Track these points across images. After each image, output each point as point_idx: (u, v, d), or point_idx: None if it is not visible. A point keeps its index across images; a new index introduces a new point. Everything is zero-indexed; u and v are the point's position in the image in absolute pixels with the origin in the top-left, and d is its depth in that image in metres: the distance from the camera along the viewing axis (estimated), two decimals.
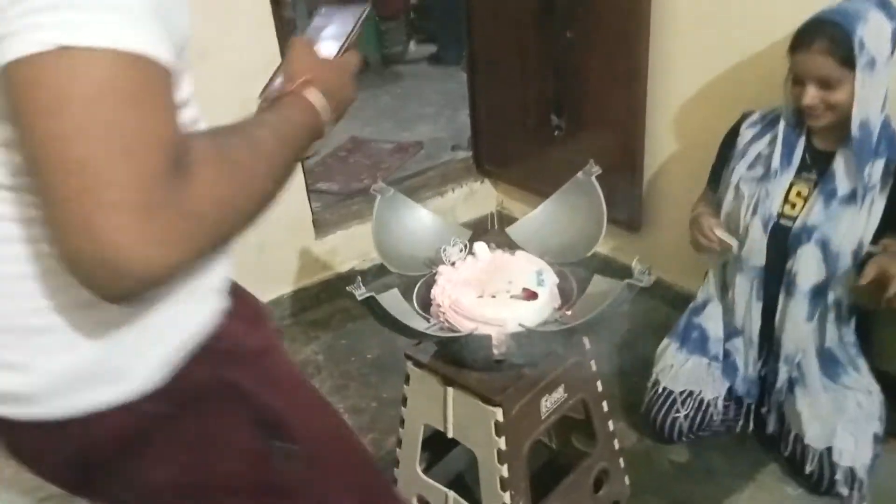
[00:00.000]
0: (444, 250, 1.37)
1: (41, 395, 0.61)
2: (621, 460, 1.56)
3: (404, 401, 1.44)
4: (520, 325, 1.20)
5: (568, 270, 1.38)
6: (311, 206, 2.30)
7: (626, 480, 1.59)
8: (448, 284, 1.32)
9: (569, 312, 1.25)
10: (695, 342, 1.68)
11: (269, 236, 2.13)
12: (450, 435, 1.38)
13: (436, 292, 1.31)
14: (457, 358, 1.29)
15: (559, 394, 1.37)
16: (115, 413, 0.63)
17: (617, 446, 1.54)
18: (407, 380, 1.41)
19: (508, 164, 2.58)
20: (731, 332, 1.67)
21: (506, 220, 2.74)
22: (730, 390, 1.66)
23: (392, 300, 1.27)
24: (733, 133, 1.64)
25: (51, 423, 0.62)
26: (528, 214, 1.51)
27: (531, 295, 1.28)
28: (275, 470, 0.76)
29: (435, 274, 1.35)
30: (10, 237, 0.57)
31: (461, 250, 1.40)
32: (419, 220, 1.48)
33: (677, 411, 1.63)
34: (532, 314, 1.25)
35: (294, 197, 2.21)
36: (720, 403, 1.64)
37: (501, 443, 1.27)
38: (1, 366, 0.61)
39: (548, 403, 1.34)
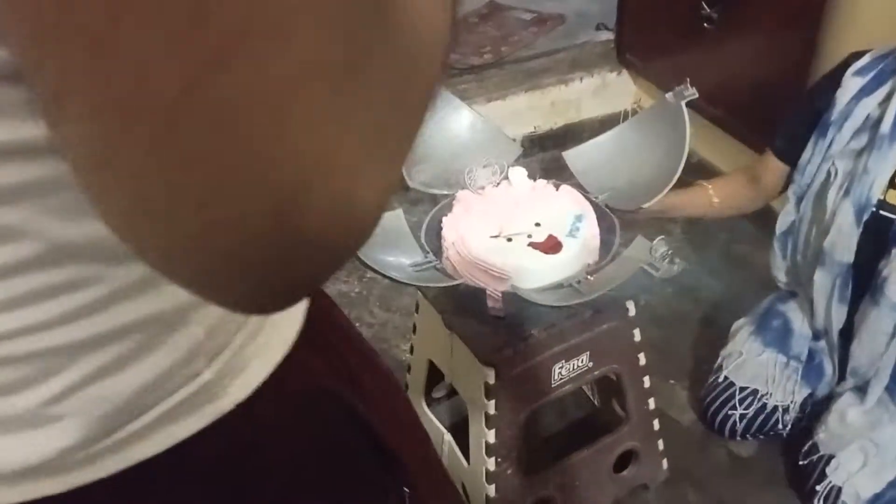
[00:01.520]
0: (471, 171, 1.14)
1: None
2: (660, 442, 1.33)
3: (414, 328, 1.30)
4: (512, 286, 0.97)
5: (618, 219, 1.11)
6: None
7: (664, 464, 1.36)
8: (463, 214, 1.10)
9: (590, 278, 1.00)
10: (775, 333, 1.35)
11: None
12: (447, 380, 1.23)
13: (445, 222, 1.10)
14: (457, 302, 1.10)
15: (581, 362, 1.15)
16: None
17: (657, 427, 1.31)
18: (417, 307, 1.26)
19: (652, 57, 2.17)
20: (818, 330, 1.31)
21: None
22: (811, 398, 1.33)
23: (391, 222, 1.09)
24: (832, 81, 1.20)
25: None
26: (597, 138, 1.21)
27: (554, 246, 1.04)
28: None
29: (452, 199, 1.13)
30: None
31: (494, 173, 1.16)
32: (462, 127, 1.24)
33: (734, 408, 1.34)
34: (547, 270, 1.02)
35: None
36: (793, 411, 1.33)
37: (490, 406, 1.09)
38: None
39: (562, 371, 1.13)
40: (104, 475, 0.41)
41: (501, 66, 2.33)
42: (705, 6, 1.78)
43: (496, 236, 1.06)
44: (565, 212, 1.09)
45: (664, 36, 2.06)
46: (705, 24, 1.80)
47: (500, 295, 1.00)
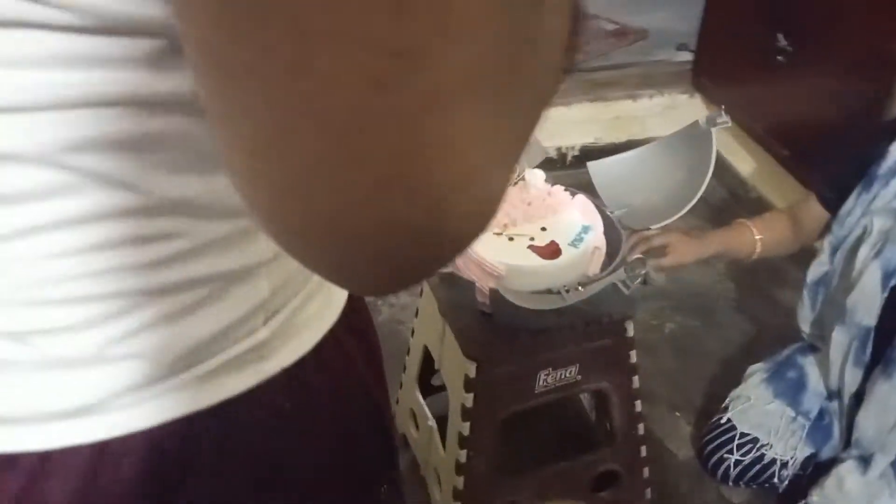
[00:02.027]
0: None
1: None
2: (646, 470, 1.30)
3: (417, 311, 1.32)
4: (498, 284, 0.98)
5: (627, 235, 1.09)
6: None
7: (647, 494, 1.33)
8: None
9: (581, 289, 0.99)
10: (788, 385, 1.30)
11: None
12: (436, 366, 1.24)
13: None
14: (458, 292, 1.11)
15: (570, 373, 1.14)
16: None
17: (643, 453, 1.28)
18: (421, 292, 1.28)
19: (725, 84, 2.11)
20: (832, 391, 1.25)
21: None
22: (813, 458, 1.27)
23: None
24: (890, 132, 1.14)
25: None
26: (623, 154, 1.20)
27: (552, 252, 1.03)
28: None
29: None
30: None
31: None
32: None
33: (730, 452, 1.30)
34: (540, 274, 1.02)
35: None
36: (792, 467, 1.27)
37: (469, 399, 1.10)
38: None
39: (548, 379, 1.13)
40: (151, 424, 0.41)
41: (569, 73, 2.31)
42: (780, 38, 1.72)
43: (499, 233, 1.07)
44: (574, 221, 1.08)
45: (739, 64, 1.99)
46: (778, 57, 1.74)
47: (486, 290, 1.00)
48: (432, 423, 1.28)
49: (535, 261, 1.02)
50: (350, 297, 0.52)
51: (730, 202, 2.17)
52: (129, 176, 0.35)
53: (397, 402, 1.46)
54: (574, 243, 1.05)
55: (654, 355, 1.67)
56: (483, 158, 0.25)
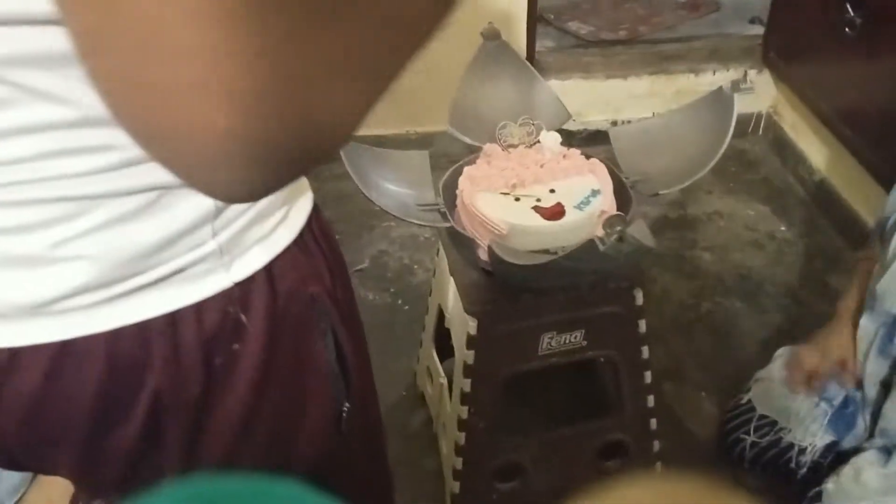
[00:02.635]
0: (504, 127, 1.15)
1: None
2: (656, 443, 1.29)
3: (434, 271, 1.34)
4: (495, 242, 0.98)
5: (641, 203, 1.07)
6: (532, 43, 2.08)
7: (658, 467, 1.31)
8: (483, 166, 1.12)
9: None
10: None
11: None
12: (446, 324, 1.26)
13: (465, 171, 1.12)
14: (469, 252, 1.13)
15: (574, 338, 1.13)
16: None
17: (653, 426, 1.27)
18: (438, 250, 1.30)
19: (795, 60, 2.00)
20: (858, 378, 1.19)
21: (774, 128, 2.19)
22: (834, 446, 1.21)
23: (416, 161, 1.13)
24: None
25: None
26: (646, 120, 1.17)
27: (556, 213, 1.03)
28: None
29: (472, 159, 1.15)
30: None
31: (530, 133, 1.16)
32: (518, 84, 1.23)
33: (747, 433, 1.26)
34: (541, 235, 1.02)
35: (512, 27, 2.02)
36: (811, 454, 1.22)
37: (469, 356, 1.12)
38: None
39: (552, 342, 1.13)
40: (103, 329, 0.44)
41: (632, 44, 2.25)
42: (849, 8, 1.61)
43: (506, 193, 1.07)
44: (584, 184, 1.08)
45: (807, 38, 1.89)
46: (847, 30, 1.64)
47: (483, 246, 1.01)
48: (444, 380, 1.31)
49: (537, 221, 1.02)
50: (310, 223, 0.54)
51: (792, 184, 2.07)
52: (61, 90, 0.39)
53: (418, 360, 1.49)
54: (580, 206, 1.04)
55: (686, 334, 1.64)
56: (302, 69, 0.27)
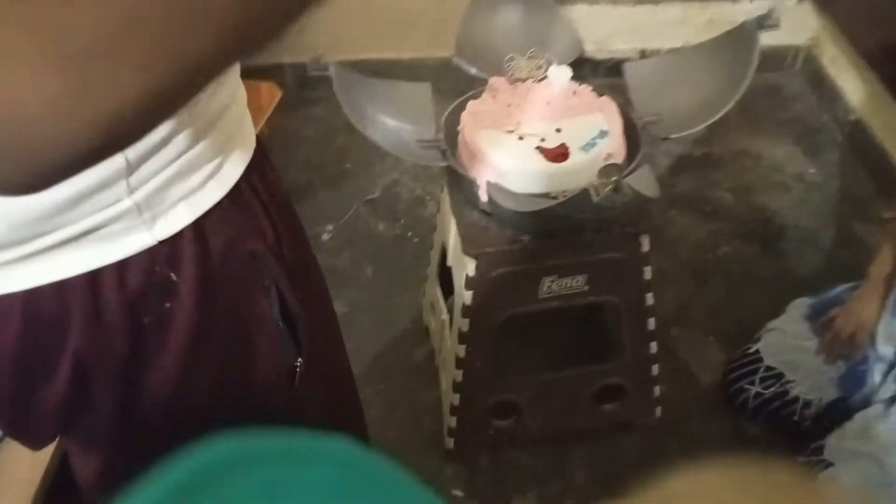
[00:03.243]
0: (512, 59, 1.09)
1: None
2: (657, 389, 1.28)
3: (439, 206, 1.31)
4: (493, 182, 0.95)
5: (652, 146, 1.02)
6: None
7: (657, 412, 1.31)
8: (488, 101, 1.07)
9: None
10: (830, 300, 1.21)
11: None
12: (448, 262, 1.24)
13: (469, 106, 1.07)
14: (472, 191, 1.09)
15: (576, 282, 1.11)
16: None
17: (655, 372, 1.25)
18: (443, 187, 1.26)
19: None
20: (875, 337, 1.15)
21: (812, 63, 2.07)
22: (841, 402, 1.19)
23: (417, 93, 1.08)
24: None
25: None
26: (662, 56, 1.10)
27: (559, 156, 0.99)
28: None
29: (478, 92, 1.10)
30: None
31: (539, 67, 1.10)
32: (538, 14, 1.16)
33: (752, 383, 1.24)
34: (542, 178, 0.98)
35: None
36: (816, 406, 1.20)
37: (468, 297, 1.11)
38: None
39: (553, 286, 1.11)
40: (18, 289, 0.43)
41: None
42: None
43: (510, 131, 1.03)
44: (593, 124, 1.02)
45: None
46: None
47: (484, 188, 0.98)
48: (446, 317, 1.30)
49: (538, 163, 0.98)
50: (252, 178, 0.52)
51: (826, 123, 1.97)
52: None
53: (423, 294, 1.49)
54: (585, 148, 1.00)
55: (699, 278, 1.60)
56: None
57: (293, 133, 1.88)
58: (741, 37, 1.00)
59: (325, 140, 1.86)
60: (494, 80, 1.09)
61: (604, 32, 2.02)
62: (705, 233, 1.69)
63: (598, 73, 2.00)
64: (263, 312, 0.53)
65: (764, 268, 1.62)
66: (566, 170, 0.98)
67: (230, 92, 0.49)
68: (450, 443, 1.28)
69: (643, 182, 0.83)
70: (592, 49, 1.98)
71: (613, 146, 1.00)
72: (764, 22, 0.97)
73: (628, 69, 1.11)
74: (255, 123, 0.56)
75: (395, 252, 1.65)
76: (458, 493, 1.26)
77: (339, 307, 1.58)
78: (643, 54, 2.07)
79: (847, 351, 1.17)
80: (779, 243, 1.68)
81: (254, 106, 0.61)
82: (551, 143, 1.01)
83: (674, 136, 0.99)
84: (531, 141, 1.01)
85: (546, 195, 0.96)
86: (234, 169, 0.50)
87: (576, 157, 0.98)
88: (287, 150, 1.83)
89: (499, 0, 1.14)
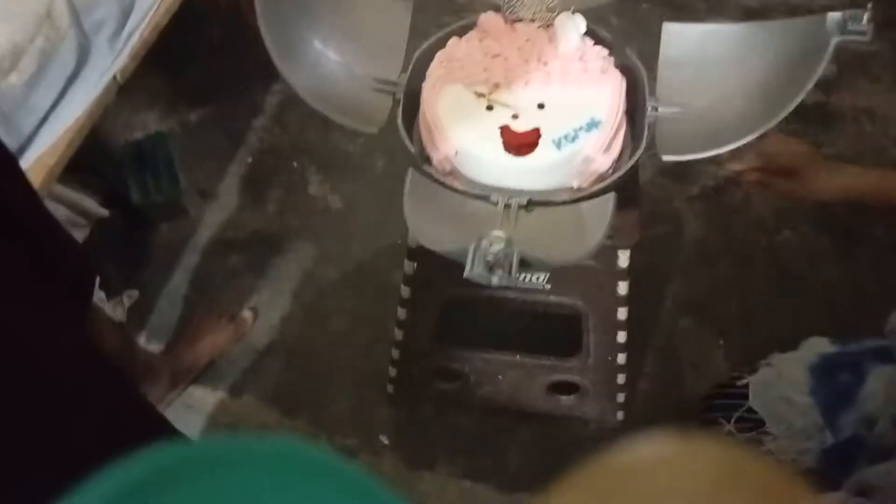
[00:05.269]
0: None
1: None
2: (620, 395, 1.13)
3: None
4: (414, 165, 0.76)
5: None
6: None
7: (619, 416, 1.17)
8: (475, 44, 0.85)
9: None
10: (834, 388, 0.98)
11: None
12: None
13: (449, 44, 0.86)
14: None
15: (535, 278, 0.94)
16: None
17: (620, 381, 1.10)
18: None
19: None
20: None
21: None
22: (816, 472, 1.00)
23: (391, 19, 0.87)
24: None
25: None
26: (717, 24, 0.82)
27: (523, 147, 0.78)
28: None
29: (469, 24, 0.86)
30: None
31: (550, 9, 0.85)
32: None
33: (727, 419, 1.05)
34: (493, 171, 0.78)
35: None
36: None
37: (409, 267, 0.98)
38: None
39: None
40: None
41: None
42: None
43: (482, 94, 0.82)
44: (585, 107, 0.79)
45: None
46: None
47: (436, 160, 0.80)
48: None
49: (493, 150, 0.78)
50: None
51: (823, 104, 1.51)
52: None
53: None
54: (560, 141, 0.78)
55: (741, 264, 1.35)
56: None
57: None
58: (814, 34, 0.72)
59: None
60: (486, 18, 0.85)
61: None
62: (771, 210, 1.40)
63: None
64: None
65: (825, 271, 1.34)
66: (526, 167, 0.77)
67: None
68: (390, 388, 1.21)
69: (593, 225, 0.63)
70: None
71: (598, 145, 0.78)
72: (846, 26, 0.68)
73: (667, 31, 0.84)
74: None
75: (394, 171, 1.48)
76: (384, 439, 1.21)
77: (337, 201, 1.48)
78: None
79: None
80: (858, 243, 1.37)
81: None
82: (523, 124, 0.79)
83: (672, 159, 0.75)
84: (500, 115, 0.80)
85: (486, 198, 0.77)
86: None
87: (542, 152, 0.77)
88: None
89: None
